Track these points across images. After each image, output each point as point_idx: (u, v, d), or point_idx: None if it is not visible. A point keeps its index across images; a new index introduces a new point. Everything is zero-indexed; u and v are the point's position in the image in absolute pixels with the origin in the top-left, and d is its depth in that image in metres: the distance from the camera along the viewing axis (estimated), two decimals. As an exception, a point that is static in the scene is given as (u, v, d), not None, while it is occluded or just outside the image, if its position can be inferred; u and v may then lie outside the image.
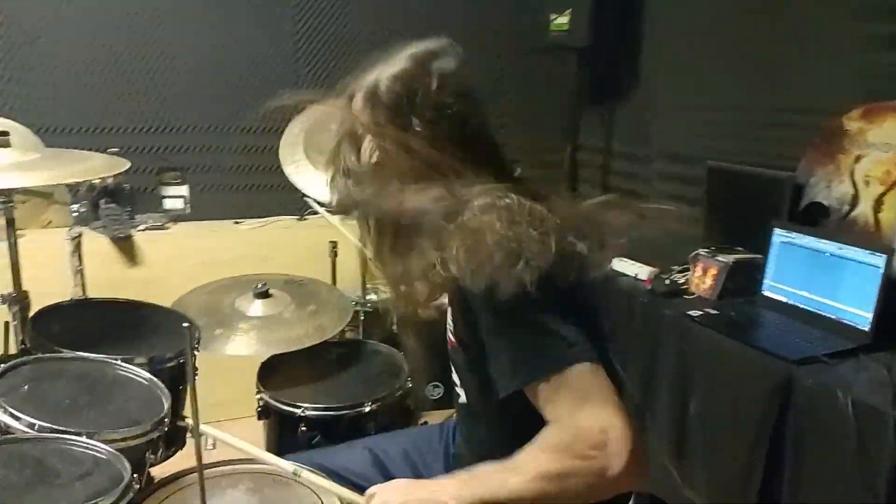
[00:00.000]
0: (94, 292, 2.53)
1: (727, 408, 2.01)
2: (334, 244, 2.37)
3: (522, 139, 3.42)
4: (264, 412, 1.88)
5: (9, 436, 1.15)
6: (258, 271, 2.22)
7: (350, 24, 3.18)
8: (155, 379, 1.48)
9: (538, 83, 3.45)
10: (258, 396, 1.88)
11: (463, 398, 1.34)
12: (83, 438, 1.19)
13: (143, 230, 2.88)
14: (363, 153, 1.17)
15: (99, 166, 1.67)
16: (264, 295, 2.01)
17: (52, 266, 2.51)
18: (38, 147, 2.81)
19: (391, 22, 3.16)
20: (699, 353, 2.11)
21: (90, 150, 2.81)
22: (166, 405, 1.41)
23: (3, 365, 1.34)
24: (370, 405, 1.82)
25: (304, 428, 1.80)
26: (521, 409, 1.04)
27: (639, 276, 2.49)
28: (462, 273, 1.00)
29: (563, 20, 2.94)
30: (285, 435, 1.85)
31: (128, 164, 1.68)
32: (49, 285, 2.45)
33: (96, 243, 2.77)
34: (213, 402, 2.76)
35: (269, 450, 1.85)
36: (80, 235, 2.52)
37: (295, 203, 2.87)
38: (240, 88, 3.04)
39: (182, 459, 1.49)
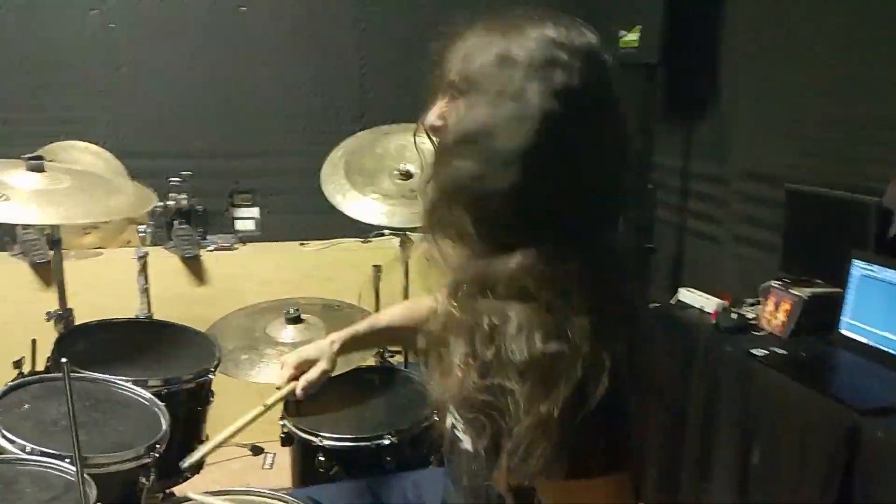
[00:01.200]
0: (159, 310, 2.63)
1: (792, 459, 1.80)
2: (378, 268, 2.33)
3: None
4: (287, 439, 1.85)
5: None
6: (320, 292, 2.23)
7: (415, 53, 3.18)
8: (158, 402, 1.49)
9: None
10: (281, 423, 1.86)
11: (467, 445, 1.22)
12: (61, 462, 1.19)
13: (213, 250, 2.97)
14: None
15: (122, 203, 1.71)
16: (296, 320, 1.99)
17: (126, 284, 2.63)
18: (119, 171, 2.99)
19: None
20: (763, 396, 1.90)
21: (166, 175, 3.01)
22: (163, 430, 1.41)
23: (11, 383, 1.39)
24: (390, 437, 1.75)
25: (321, 458, 1.75)
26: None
27: (705, 309, 2.30)
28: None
29: (632, 36, 2.80)
30: (306, 464, 1.80)
31: (153, 201, 1.71)
32: (120, 302, 2.60)
33: (167, 262, 2.88)
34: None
35: (293, 479, 1.86)
36: (146, 255, 2.62)
37: (360, 226, 2.88)
38: (308, 116, 3.12)
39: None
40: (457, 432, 1.23)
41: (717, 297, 2.29)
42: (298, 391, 1.53)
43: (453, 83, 0.93)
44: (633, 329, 0.90)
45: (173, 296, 2.83)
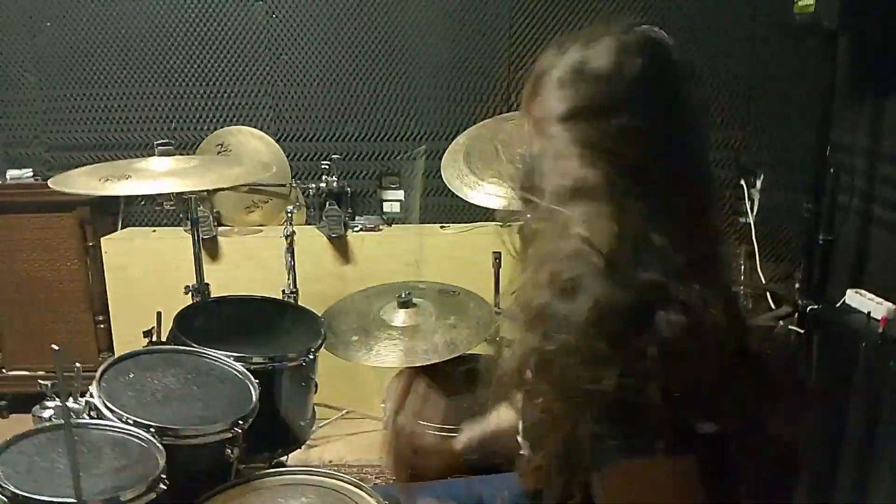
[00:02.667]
0: (304, 287, 2.78)
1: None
2: (497, 255, 2.26)
3: (770, 138, 3.07)
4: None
5: (79, 421, 1.28)
6: (457, 274, 2.26)
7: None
8: (252, 378, 1.55)
9: (783, 72, 2.94)
10: (383, 406, 1.88)
11: (525, 450, 1.16)
12: (144, 432, 1.28)
13: (358, 231, 3.07)
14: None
15: (234, 175, 1.80)
16: (407, 304, 1.99)
17: (278, 261, 2.80)
18: (278, 153, 3.18)
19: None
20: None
21: (320, 155, 3.15)
22: (250, 406, 1.47)
23: (124, 353, 1.52)
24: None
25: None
26: None
27: (873, 315, 1.97)
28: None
29: (808, 0, 2.44)
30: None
31: (266, 173, 1.79)
32: (271, 277, 2.78)
33: (316, 241, 3.02)
34: (349, 400, 2.91)
35: None
36: (292, 234, 2.77)
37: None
38: (454, 99, 3.11)
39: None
40: (518, 439, 1.18)
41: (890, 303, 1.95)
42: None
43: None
44: (707, 311, 0.84)
45: (319, 274, 2.97)
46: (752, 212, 3.13)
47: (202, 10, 3.12)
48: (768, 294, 3.00)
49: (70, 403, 1.40)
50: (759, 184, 3.13)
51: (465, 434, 1.35)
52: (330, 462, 2.70)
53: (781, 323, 2.66)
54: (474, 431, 1.34)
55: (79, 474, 0.80)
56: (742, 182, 3.14)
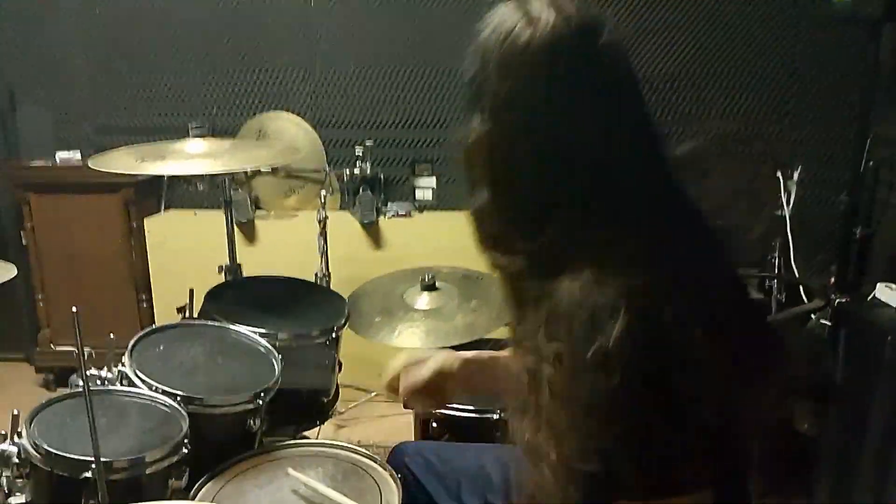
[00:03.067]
0: (336, 270, 2.84)
1: None
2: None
3: (808, 130, 3.03)
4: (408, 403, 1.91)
5: (109, 387, 1.36)
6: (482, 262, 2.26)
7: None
8: (275, 353, 1.62)
9: (824, 63, 2.89)
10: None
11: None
12: (170, 399, 1.35)
13: (391, 217, 3.12)
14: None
15: (263, 156, 1.87)
16: (431, 287, 2.03)
17: (312, 244, 2.86)
18: (315, 139, 3.25)
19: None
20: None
21: (355, 142, 3.20)
22: (272, 380, 1.53)
23: (155, 326, 1.59)
24: (499, 414, 1.73)
25: (434, 425, 1.79)
26: None
27: (902, 309, 1.94)
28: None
29: (846, -12, 2.39)
30: (422, 427, 1.86)
31: (293, 157, 1.85)
32: (305, 260, 2.85)
33: (349, 226, 3.09)
34: (370, 380, 2.95)
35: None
36: (325, 218, 2.84)
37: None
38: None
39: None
40: None
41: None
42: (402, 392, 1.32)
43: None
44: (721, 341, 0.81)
45: (351, 258, 3.03)
46: (787, 204, 3.08)
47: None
48: (801, 287, 2.96)
49: (104, 373, 1.49)
50: (795, 176, 3.08)
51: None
52: (358, 442, 2.77)
53: (813, 317, 2.63)
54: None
55: (97, 435, 0.86)
56: (778, 174, 3.09)
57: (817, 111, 3.01)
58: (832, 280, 2.74)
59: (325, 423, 2.85)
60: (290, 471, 1.33)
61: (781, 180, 3.09)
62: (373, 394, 3.03)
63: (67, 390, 1.39)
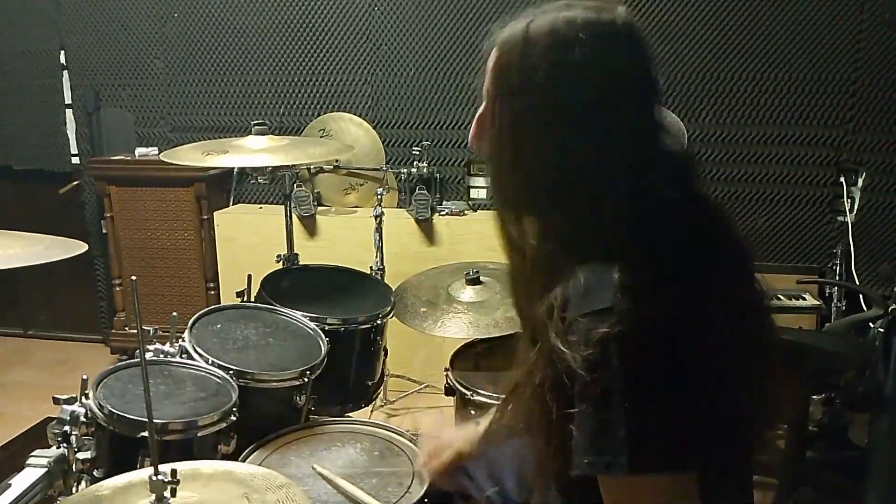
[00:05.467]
0: (390, 264, 2.96)
1: None
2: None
3: (873, 135, 2.97)
4: (450, 390, 1.99)
5: (168, 358, 1.49)
6: None
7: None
8: (322, 335, 1.71)
9: (890, 68, 2.82)
10: (445, 374, 2.00)
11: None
12: (224, 373, 1.47)
13: (444, 215, 3.20)
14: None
15: (316, 154, 1.98)
16: (475, 281, 2.10)
17: (369, 239, 2.98)
18: (375, 139, 3.36)
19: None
20: None
21: (413, 142, 3.29)
22: (318, 359, 1.63)
23: (213, 306, 1.72)
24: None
25: (472, 412, 1.86)
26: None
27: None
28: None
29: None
30: (461, 414, 1.93)
31: (337, 156, 1.94)
32: (361, 254, 2.96)
33: (404, 223, 3.18)
34: (429, 376, 3.00)
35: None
36: (381, 214, 2.95)
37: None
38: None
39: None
40: None
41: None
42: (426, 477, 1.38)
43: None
44: (718, 323, 0.86)
45: (405, 253, 3.13)
46: (850, 211, 3.01)
47: (309, 2, 3.34)
48: (861, 295, 2.89)
49: (167, 347, 1.62)
50: (860, 182, 3.01)
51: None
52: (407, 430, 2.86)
53: (872, 326, 2.57)
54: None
55: (150, 401, 0.97)
56: (842, 180, 3.03)
57: (883, 117, 2.94)
58: (895, 288, 2.68)
59: (376, 411, 2.97)
60: (315, 467, 1.39)
61: (845, 186, 3.02)
62: (423, 385, 3.11)
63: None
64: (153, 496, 0.93)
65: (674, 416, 0.80)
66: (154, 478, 0.92)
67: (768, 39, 2.96)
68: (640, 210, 0.88)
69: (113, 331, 3.56)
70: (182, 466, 1.00)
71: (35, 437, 2.79)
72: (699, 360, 0.82)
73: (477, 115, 0.99)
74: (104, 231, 3.48)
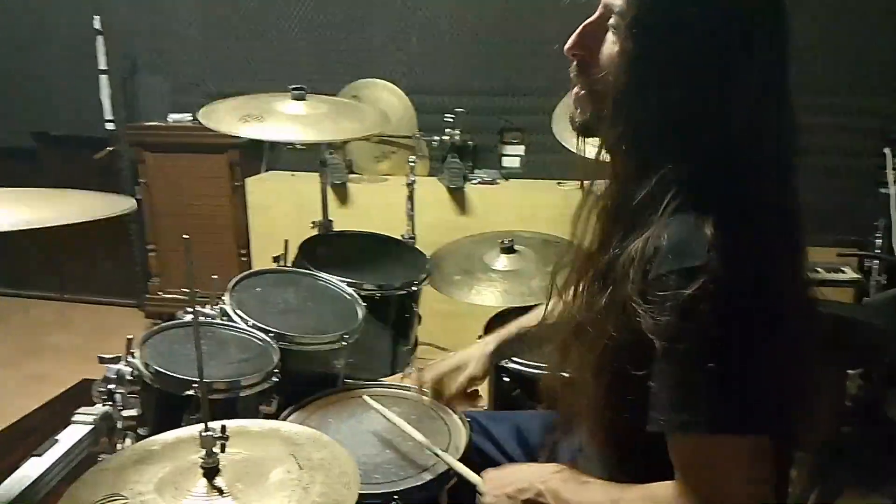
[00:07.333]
0: (421, 234, 2.94)
1: None
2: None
3: None
4: (484, 357, 1.98)
5: (212, 321, 1.50)
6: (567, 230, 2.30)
7: None
8: (360, 301, 1.72)
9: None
10: (479, 338, 1.99)
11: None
12: (264, 335, 1.48)
13: (477, 184, 3.18)
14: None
15: (353, 128, 1.97)
16: (509, 250, 2.09)
17: (400, 207, 2.97)
18: (407, 106, 3.33)
19: None
20: None
21: (446, 109, 3.26)
22: (356, 323, 1.64)
23: (253, 270, 1.73)
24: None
25: (506, 379, 1.86)
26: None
27: None
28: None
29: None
30: (495, 382, 1.93)
31: (377, 129, 1.93)
32: (392, 223, 2.96)
33: (436, 192, 3.17)
34: (455, 344, 2.99)
35: (489, 393, 2.00)
36: (413, 183, 2.93)
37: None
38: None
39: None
40: None
41: None
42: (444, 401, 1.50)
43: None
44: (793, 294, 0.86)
45: (436, 222, 3.11)
46: (893, 183, 2.94)
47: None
48: (903, 269, 2.83)
49: (207, 309, 1.63)
50: (904, 153, 2.94)
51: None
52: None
53: (912, 299, 2.52)
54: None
55: (202, 359, 0.98)
56: (885, 151, 2.95)
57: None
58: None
59: (404, 379, 2.98)
60: (366, 398, 1.42)
61: (889, 157, 2.95)
62: (451, 354, 3.12)
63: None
64: (203, 451, 0.94)
65: (756, 379, 0.80)
66: (204, 433, 0.93)
67: (812, 4, 2.87)
68: (750, 167, 0.86)
69: (147, 295, 3.62)
70: (230, 424, 1.01)
71: (74, 397, 2.86)
72: (779, 324, 0.81)
73: (586, 23, 0.95)
74: (138, 197, 3.51)
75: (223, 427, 0.95)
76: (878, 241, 2.96)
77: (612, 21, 0.91)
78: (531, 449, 1.44)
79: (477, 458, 1.38)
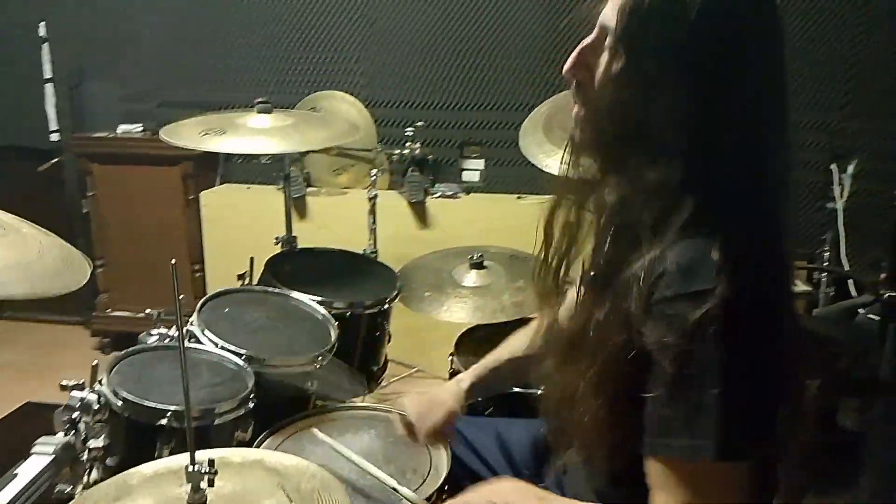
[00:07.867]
0: (384, 247, 2.91)
1: None
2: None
3: (865, 123, 3.00)
4: (454, 375, 1.96)
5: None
6: (530, 246, 2.28)
7: None
8: (331, 320, 1.68)
9: (883, 57, 2.84)
10: (450, 359, 1.98)
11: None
12: (236, 357, 1.43)
13: (438, 197, 3.17)
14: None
15: (320, 138, 1.93)
16: (479, 266, 2.08)
17: (361, 221, 2.93)
18: (367, 118, 3.30)
19: None
20: None
21: (406, 122, 3.24)
22: (329, 345, 1.60)
23: (221, 289, 1.67)
24: (542, 390, 1.77)
25: (479, 399, 1.84)
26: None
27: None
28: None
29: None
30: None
31: (355, 136, 1.90)
32: (353, 237, 2.91)
33: (397, 205, 3.14)
34: (421, 361, 2.99)
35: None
36: (375, 196, 2.90)
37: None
38: (539, 71, 3.14)
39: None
40: None
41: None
42: (421, 439, 1.36)
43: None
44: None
45: (398, 236, 3.09)
46: (840, 197, 3.05)
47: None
48: (851, 281, 2.93)
49: (172, 331, 1.57)
50: (850, 169, 3.05)
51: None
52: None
53: (861, 311, 2.61)
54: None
55: (188, 387, 0.93)
56: (833, 166, 3.06)
57: (875, 104, 2.97)
58: (883, 276, 2.72)
59: (369, 396, 2.94)
60: (315, 431, 1.36)
61: (836, 172, 3.05)
62: (414, 370, 3.10)
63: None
64: (188, 486, 0.90)
65: (761, 403, 0.81)
66: (191, 468, 0.89)
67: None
68: (752, 185, 0.87)
69: (95, 313, 3.48)
70: (212, 455, 0.97)
71: (16, 422, 2.72)
72: (783, 348, 0.82)
73: (583, 43, 0.94)
74: (85, 210, 3.38)
75: (211, 461, 0.90)
76: (826, 255, 3.06)
77: (608, 41, 0.91)
78: (512, 456, 1.42)
79: (456, 467, 1.35)
